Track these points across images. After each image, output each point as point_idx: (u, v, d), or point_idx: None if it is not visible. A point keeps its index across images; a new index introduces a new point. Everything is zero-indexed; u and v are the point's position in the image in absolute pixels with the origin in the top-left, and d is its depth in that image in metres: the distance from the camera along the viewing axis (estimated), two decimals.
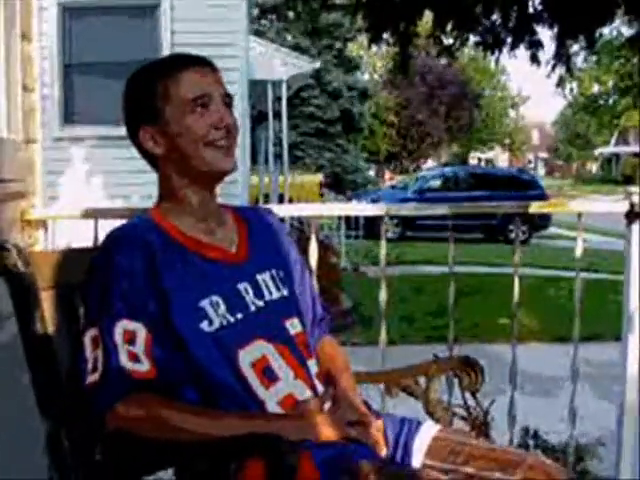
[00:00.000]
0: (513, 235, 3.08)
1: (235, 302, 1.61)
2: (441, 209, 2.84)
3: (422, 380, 1.94)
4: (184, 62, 1.66)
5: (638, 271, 2.79)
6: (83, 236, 2.58)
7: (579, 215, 2.91)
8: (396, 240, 14.71)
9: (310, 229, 2.93)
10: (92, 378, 1.50)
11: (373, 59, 45.00)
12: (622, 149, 48.78)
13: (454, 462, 1.65)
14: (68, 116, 8.85)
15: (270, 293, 1.68)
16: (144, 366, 1.50)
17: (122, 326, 1.51)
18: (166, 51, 8.80)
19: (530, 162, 66.92)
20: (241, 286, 1.65)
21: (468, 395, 1.93)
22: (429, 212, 2.79)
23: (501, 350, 4.94)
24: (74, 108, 8.89)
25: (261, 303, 1.66)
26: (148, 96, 1.65)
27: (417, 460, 1.67)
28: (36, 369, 1.58)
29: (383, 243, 2.90)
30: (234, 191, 8.47)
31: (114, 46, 8.82)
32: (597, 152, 54.83)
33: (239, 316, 1.60)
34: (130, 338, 1.51)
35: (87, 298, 1.59)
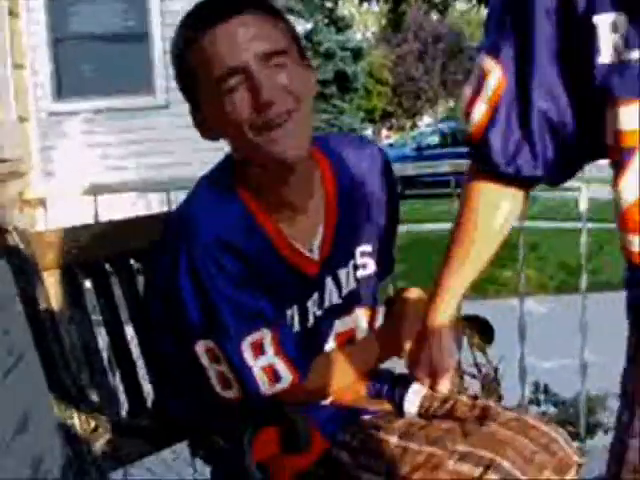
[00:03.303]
0: None
1: (301, 319, 1.50)
2: (442, 167, 2.82)
3: None
4: (207, 19, 1.31)
5: None
6: (82, 212, 2.56)
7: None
8: None
9: None
10: (229, 394, 1.39)
11: (365, 17, 44.58)
12: None
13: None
14: (61, 90, 8.79)
15: (339, 291, 1.54)
16: (285, 381, 1.39)
17: (248, 343, 1.36)
18: (155, 19, 8.72)
19: None
20: (310, 302, 1.51)
21: (477, 353, 1.92)
22: (430, 171, 2.77)
23: (507, 304, 4.94)
24: (67, 82, 8.83)
25: (319, 312, 1.52)
26: (180, 73, 1.39)
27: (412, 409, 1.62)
28: (44, 349, 1.57)
29: None
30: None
31: (103, 16, 8.75)
32: None
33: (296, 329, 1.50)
34: (259, 348, 1.37)
35: (178, 303, 1.38)
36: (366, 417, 1.58)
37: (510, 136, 1.21)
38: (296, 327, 1.48)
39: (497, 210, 1.33)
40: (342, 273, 1.54)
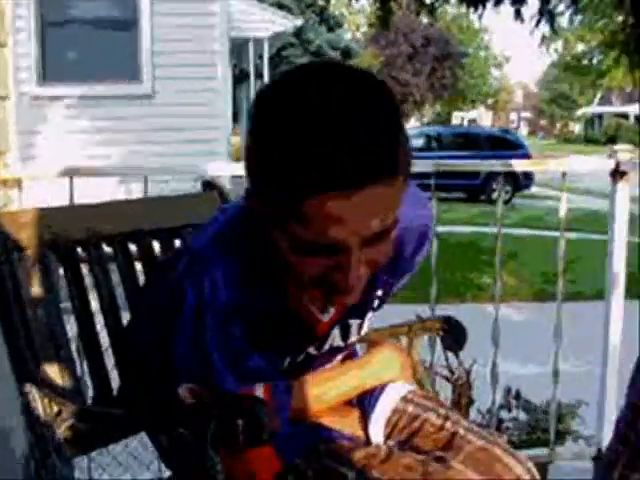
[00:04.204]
0: (495, 195, 3.05)
1: (296, 365, 1.44)
2: (425, 167, 2.81)
3: (404, 340, 1.92)
4: (339, 181, 1.05)
5: (623, 230, 2.78)
6: (59, 195, 2.53)
7: (563, 174, 2.88)
8: None
9: None
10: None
11: (355, 17, 44.57)
12: (605, 109, 48.79)
13: (399, 437, 1.54)
14: (46, 74, 8.72)
15: (344, 338, 1.48)
16: None
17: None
18: (145, 7, 8.66)
19: (513, 122, 66.88)
20: (309, 348, 1.45)
21: (450, 355, 1.91)
22: (413, 170, 2.75)
23: (484, 309, 4.95)
24: (52, 66, 8.76)
25: (315, 352, 1.46)
26: (269, 179, 1.11)
27: (377, 434, 1.56)
28: (9, 330, 1.54)
29: None
30: (216, 149, 8.40)
31: (92, 2, 8.70)
32: (580, 112, 54.84)
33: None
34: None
35: (173, 341, 1.32)
36: (327, 441, 1.50)
37: None
38: (285, 365, 1.43)
39: None
40: (354, 323, 1.47)
